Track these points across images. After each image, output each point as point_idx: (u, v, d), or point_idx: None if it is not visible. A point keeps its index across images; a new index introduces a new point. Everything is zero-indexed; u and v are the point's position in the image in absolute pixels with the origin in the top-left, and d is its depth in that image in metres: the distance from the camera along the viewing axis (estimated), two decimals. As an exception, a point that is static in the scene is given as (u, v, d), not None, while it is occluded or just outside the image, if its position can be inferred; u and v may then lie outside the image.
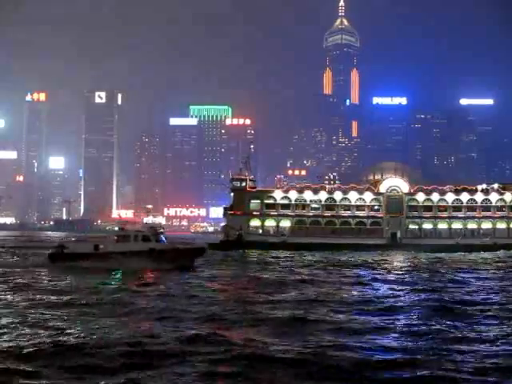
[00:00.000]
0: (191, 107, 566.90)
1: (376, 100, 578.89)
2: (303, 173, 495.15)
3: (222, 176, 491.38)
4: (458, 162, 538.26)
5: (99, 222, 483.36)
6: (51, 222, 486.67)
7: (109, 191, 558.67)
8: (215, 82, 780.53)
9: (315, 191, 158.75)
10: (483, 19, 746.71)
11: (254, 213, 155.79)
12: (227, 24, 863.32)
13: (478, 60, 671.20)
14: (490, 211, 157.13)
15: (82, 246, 78.20)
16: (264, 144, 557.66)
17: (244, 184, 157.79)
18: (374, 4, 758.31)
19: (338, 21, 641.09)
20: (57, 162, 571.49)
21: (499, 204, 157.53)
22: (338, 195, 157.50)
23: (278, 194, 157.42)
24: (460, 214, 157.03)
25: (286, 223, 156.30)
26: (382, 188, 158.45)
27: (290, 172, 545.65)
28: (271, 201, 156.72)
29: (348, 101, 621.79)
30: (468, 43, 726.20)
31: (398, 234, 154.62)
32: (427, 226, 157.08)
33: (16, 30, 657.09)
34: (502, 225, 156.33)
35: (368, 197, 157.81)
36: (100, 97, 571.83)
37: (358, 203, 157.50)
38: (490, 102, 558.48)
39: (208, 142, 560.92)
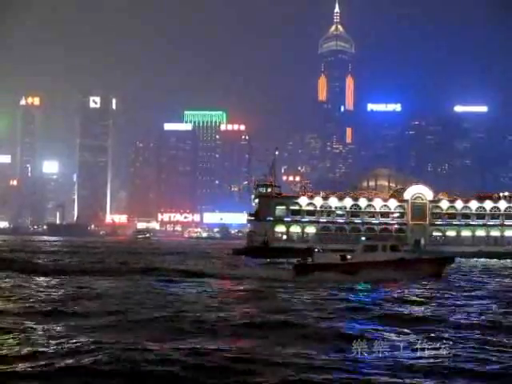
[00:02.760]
0: (186, 112, 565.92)
1: (370, 106, 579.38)
2: (297, 178, 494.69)
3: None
4: (452, 168, 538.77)
5: (93, 226, 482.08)
6: (44, 227, 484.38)
7: (103, 196, 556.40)
8: (210, 87, 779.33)
9: (340, 198, 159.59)
10: (479, 27, 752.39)
11: (280, 219, 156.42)
12: (223, 29, 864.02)
13: (473, 67, 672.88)
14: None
15: (329, 257, 75.35)
16: (258, 149, 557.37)
17: (270, 190, 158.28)
18: (369, 11, 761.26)
19: (333, 27, 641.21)
20: (51, 167, 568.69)
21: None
22: (363, 202, 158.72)
23: (303, 201, 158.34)
24: (483, 222, 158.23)
25: (311, 229, 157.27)
26: (407, 195, 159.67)
27: (284, 178, 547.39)
28: (296, 207, 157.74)
29: (343, 107, 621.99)
30: (462, 50, 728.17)
31: (422, 241, 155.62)
32: (451, 233, 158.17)
33: (12, 33, 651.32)
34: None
35: (393, 204, 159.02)
36: (95, 101, 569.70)
37: (383, 210, 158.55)
38: (484, 109, 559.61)
39: (202, 147, 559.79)
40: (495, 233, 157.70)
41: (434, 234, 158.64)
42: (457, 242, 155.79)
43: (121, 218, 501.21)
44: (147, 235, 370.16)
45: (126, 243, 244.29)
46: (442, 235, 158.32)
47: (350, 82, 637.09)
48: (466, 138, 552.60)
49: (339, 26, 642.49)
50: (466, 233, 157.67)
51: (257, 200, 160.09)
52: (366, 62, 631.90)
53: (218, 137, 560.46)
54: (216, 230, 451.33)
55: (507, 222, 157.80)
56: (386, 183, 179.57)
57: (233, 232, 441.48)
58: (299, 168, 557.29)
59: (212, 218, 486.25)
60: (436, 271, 69.96)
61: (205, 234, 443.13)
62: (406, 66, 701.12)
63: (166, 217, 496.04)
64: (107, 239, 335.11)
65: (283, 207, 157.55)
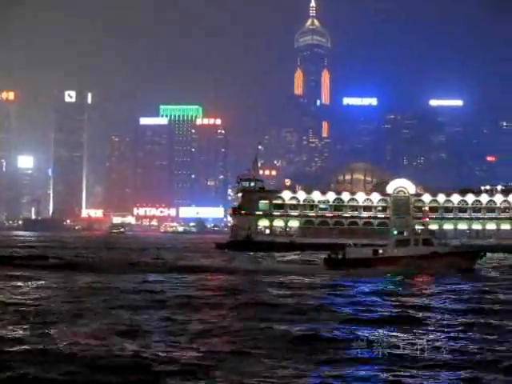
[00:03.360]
0: (161, 107, 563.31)
1: (346, 101, 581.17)
2: (273, 173, 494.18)
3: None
4: (427, 162, 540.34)
5: (68, 221, 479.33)
6: (20, 222, 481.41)
7: (78, 191, 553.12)
8: (186, 82, 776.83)
9: (323, 192, 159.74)
10: (455, 22, 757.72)
11: (263, 213, 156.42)
12: (199, 24, 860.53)
13: (449, 62, 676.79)
14: (494, 212, 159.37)
15: (361, 251, 74.64)
16: (234, 144, 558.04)
17: (253, 184, 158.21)
18: (346, 5, 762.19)
19: (309, 21, 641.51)
20: (26, 161, 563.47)
21: (504, 205, 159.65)
22: (345, 196, 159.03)
23: (286, 195, 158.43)
24: (465, 215, 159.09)
25: (294, 223, 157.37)
26: (389, 189, 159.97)
27: (260, 172, 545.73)
28: (279, 201, 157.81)
29: (319, 101, 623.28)
30: (439, 45, 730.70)
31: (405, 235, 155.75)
32: (433, 226, 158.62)
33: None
34: (506, 225, 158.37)
35: (375, 198, 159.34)
36: (70, 96, 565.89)
37: (366, 204, 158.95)
38: (459, 103, 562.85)
39: (178, 141, 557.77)
40: (477, 226, 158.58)
41: (417, 227, 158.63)
42: (439, 235, 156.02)
43: (97, 213, 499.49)
44: (121, 230, 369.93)
45: (101, 238, 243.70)
46: (425, 229, 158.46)
47: (326, 76, 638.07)
48: (442, 131, 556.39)
49: (315, 20, 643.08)
50: (448, 226, 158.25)
51: (240, 194, 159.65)
52: (342, 56, 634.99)
53: (193, 131, 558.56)
54: (192, 224, 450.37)
55: (489, 216, 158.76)
56: (362, 177, 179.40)
57: (209, 226, 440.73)
58: (275, 162, 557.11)
59: (188, 212, 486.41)
60: (468, 265, 70.28)
61: (181, 229, 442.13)
62: (382, 61, 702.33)
63: (141, 211, 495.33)
64: (83, 234, 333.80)
65: (266, 201, 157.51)
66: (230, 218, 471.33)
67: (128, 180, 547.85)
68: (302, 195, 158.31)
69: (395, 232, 79.26)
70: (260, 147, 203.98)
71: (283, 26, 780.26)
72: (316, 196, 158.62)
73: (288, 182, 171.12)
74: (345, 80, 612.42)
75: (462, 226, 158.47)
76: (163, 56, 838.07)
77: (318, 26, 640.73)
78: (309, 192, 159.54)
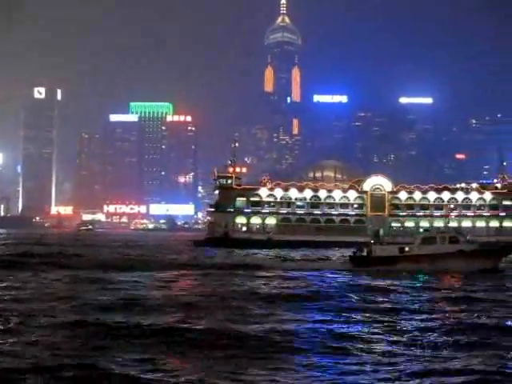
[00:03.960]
0: (132, 104, 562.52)
1: (317, 98, 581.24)
2: (244, 170, 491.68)
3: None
4: (398, 160, 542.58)
5: (38, 218, 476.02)
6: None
7: (48, 188, 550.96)
8: (156, 78, 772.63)
9: (300, 189, 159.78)
10: (425, 20, 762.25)
11: (240, 210, 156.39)
12: (169, 20, 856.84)
13: (419, 60, 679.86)
14: (469, 210, 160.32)
15: (387, 249, 73.57)
16: (205, 141, 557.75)
17: (230, 181, 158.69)
18: (316, 2, 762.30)
19: (280, 18, 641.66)
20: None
21: (479, 203, 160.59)
22: (322, 193, 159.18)
23: (263, 192, 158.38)
24: (441, 213, 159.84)
25: (271, 221, 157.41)
26: (366, 186, 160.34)
27: (230, 169, 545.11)
28: (257, 198, 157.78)
29: (289, 98, 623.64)
30: (409, 43, 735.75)
31: (381, 232, 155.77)
32: (409, 223, 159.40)
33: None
34: (481, 223, 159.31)
35: (352, 195, 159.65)
36: (39, 92, 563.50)
37: (343, 201, 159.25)
38: (429, 100, 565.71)
39: (149, 138, 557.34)
40: (453, 223, 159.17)
41: (393, 224, 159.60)
42: (415, 232, 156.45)
43: (66, 210, 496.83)
44: (89, 227, 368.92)
45: (71, 235, 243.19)
46: (401, 226, 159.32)
47: (296, 74, 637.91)
48: (412, 129, 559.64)
49: (286, 18, 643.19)
50: (424, 223, 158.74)
51: (217, 191, 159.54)
52: (313, 54, 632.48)
53: (164, 128, 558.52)
54: (162, 221, 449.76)
55: (464, 213, 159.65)
56: (333, 174, 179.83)
57: (179, 223, 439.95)
58: (246, 159, 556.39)
59: (158, 209, 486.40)
60: (493, 264, 69.52)
61: (151, 226, 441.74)
62: (353, 58, 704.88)
63: (111, 208, 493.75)
64: (52, 231, 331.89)
65: (243, 199, 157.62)
66: (200, 215, 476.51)
67: (98, 177, 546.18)
68: (279, 193, 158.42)
69: (421, 230, 79.34)
70: (237, 144, 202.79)
71: (254, 22, 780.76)
72: (293, 193, 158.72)
73: (265, 178, 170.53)
74: (315, 77, 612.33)
75: (439, 223, 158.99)
76: (134, 53, 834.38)
77: (288, 24, 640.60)
78: (286, 189, 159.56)
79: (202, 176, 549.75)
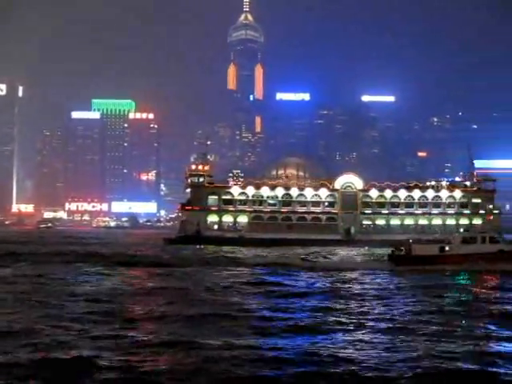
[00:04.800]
0: (94, 101, 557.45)
1: (279, 96, 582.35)
2: (206, 168, 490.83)
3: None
4: (360, 157, 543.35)
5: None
6: None
7: (8, 185, 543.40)
8: (118, 76, 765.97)
9: (272, 187, 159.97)
10: (388, 18, 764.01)
11: (212, 208, 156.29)
12: (132, 17, 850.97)
13: (381, 58, 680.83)
14: (440, 208, 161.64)
15: (427, 248, 73.75)
16: (167, 138, 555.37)
17: (202, 179, 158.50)
18: (278, 0, 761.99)
19: (243, 16, 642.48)
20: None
21: (449, 201, 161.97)
22: (294, 191, 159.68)
23: (235, 190, 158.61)
24: (412, 211, 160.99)
25: (243, 219, 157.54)
26: (337, 184, 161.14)
27: (193, 167, 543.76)
28: (229, 196, 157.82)
29: (252, 96, 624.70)
30: (371, 42, 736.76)
31: (352, 230, 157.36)
32: (380, 221, 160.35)
33: None
34: (451, 221, 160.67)
35: (323, 193, 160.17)
36: (0, 89, 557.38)
37: (314, 199, 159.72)
38: (391, 98, 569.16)
39: (111, 136, 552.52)
40: (423, 221, 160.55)
41: (364, 222, 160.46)
42: (386, 230, 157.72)
43: (27, 208, 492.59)
44: (49, 224, 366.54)
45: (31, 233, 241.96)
46: (372, 224, 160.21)
47: (259, 72, 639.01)
48: (374, 127, 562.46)
49: (249, 15, 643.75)
50: (394, 221, 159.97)
51: (189, 190, 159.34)
52: (276, 52, 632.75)
53: (126, 125, 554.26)
54: (125, 219, 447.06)
55: (434, 211, 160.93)
56: (295, 172, 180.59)
57: (141, 221, 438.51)
58: (208, 157, 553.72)
59: (120, 207, 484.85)
60: None
61: (113, 224, 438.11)
62: (316, 56, 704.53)
63: (73, 206, 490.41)
64: (13, 229, 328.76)
65: (215, 197, 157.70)
66: (163, 213, 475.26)
67: (59, 174, 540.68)
68: (251, 191, 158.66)
69: (461, 229, 79.24)
70: (209, 142, 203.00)
71: (217, 20, 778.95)
72: (265, 191, 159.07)
73: (235, 176, 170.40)
74: (278, 75, 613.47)
75: (409, 221, 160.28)
76: (96, 50, 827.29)
77: (251, 21, 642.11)
78: (258, 187, 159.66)
79: (165, 174, 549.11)
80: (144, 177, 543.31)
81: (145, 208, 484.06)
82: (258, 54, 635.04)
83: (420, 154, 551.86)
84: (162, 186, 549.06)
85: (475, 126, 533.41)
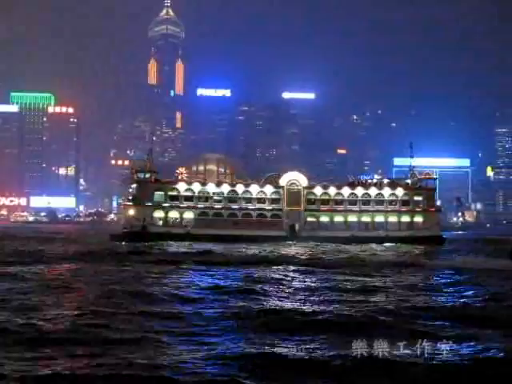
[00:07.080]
0: (12, 94, 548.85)
1: (200, 91, 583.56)
2: (126, 163, 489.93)
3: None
4: (280, 154, 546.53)
5: None
6: None
7: None
8: (38, 68, 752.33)
9: (218, 184, 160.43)
10: (311, 18, 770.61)
11: (158, 204, 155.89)
12: (55, 11, 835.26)
13: (303, 55, 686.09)
14: (382, 205, 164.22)
15: None
16: (88, 133, 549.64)
17: (148, 176, 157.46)
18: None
19: (164, 11, 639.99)
20: None
21: (391, 198, 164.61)
22: (240, 188, 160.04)
23: (181, 187, 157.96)
24: (355, 208, 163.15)
25: (189, 215, 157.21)
26: (282, 181, 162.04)
27: (113, 162, 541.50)
28: (175, 193, 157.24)
29: (172, 91, 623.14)
30: (291, 39, 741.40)
31: (297, 227, 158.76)
32: (324, 218, 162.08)
33: None
34: (393, 218, 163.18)
35: (269, 190, 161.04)
36: None
37: (259, 196, 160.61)
38: (311, 96, 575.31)
39: (29, 129, 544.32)
40: (366, 218, 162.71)
41: (309, 219, 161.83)
42: (330, 227, 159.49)
43: None
44: None
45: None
46: (316, 221, 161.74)
47: (179, 67, 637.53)
48: (294, 124, 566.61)
49: (170, 10, 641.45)
50: (338, 218, 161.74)
51: (134, 185, 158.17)
52: (197, 47, 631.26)
53: (45, 119, 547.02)
54: (43, 214, 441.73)
55: (377, 208, 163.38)
56: (215, 168, 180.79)
57: (60, 216, 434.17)
58: (128, 152, 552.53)
59: (39, 201, 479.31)
60: None
61: (31, 218, 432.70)
62: (237, 53, 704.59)
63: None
64: None
65: (161, 193, 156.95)
66: (82, 208, 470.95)
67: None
68: (196, 187, 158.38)
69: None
70: (154, 138, 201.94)
71: (138, 14, 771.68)
72: (211, 188, 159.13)
73: (181, 172, 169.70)
74: (199, 71, 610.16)
75: (352, 218, 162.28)
76: (14, 40, 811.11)
77: (172, 16, 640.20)
78: (204, 184, 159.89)
79: (84, 169, 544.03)
80: (63, 171, 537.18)
81: (64, 203, 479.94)
82: (179, 50, 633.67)
83: (339, 151, 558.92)
84: (81, 180, 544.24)
85: (394, 125, 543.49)
